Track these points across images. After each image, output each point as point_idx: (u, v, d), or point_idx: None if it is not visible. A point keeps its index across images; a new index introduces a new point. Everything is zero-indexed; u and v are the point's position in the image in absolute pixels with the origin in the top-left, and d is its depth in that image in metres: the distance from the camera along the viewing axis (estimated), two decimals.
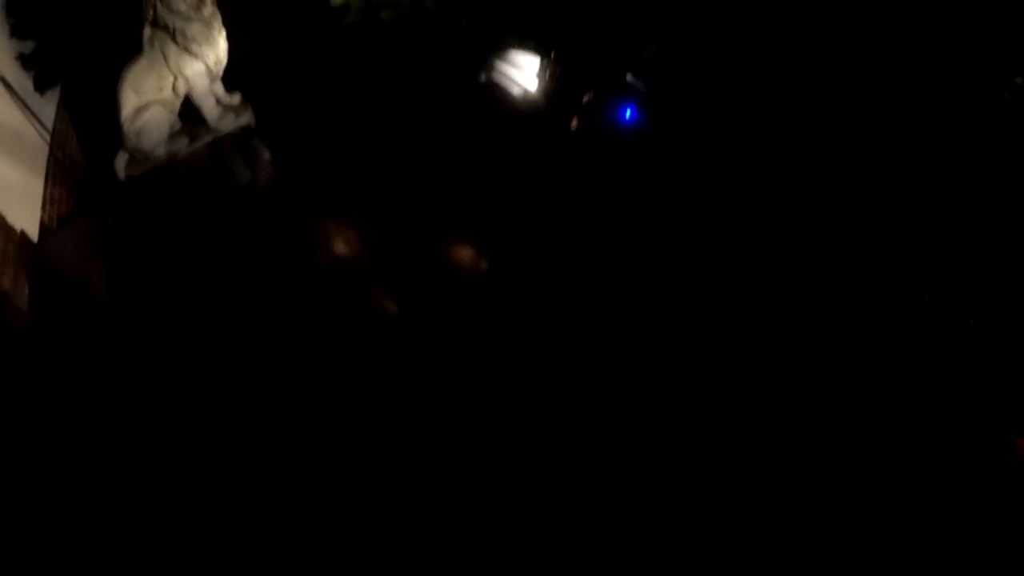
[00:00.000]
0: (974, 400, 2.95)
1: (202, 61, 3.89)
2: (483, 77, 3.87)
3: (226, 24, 3.93)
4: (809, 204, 3.44)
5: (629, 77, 3.54)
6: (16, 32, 4.27)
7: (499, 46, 3.95)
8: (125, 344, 3.34)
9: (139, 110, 3.88)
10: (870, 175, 3.36)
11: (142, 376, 3.24)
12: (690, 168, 3.63)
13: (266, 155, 3.92)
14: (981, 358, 3.01)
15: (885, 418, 2.98)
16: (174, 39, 3.82)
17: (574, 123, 3.58)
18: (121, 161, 3.94)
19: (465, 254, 3.65)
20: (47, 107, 4.27)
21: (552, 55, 3.64)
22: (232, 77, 4.04)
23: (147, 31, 3.87)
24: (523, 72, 3.78)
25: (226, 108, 4.06)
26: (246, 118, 4.06)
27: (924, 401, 2.98)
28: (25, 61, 4.25)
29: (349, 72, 4.30)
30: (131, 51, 3.90)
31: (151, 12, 3.81)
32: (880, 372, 3.09)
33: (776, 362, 3.14)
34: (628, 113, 3.53)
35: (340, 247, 3.66)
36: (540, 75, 3.71)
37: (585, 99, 3.57)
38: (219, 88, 4.06)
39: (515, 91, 3.76)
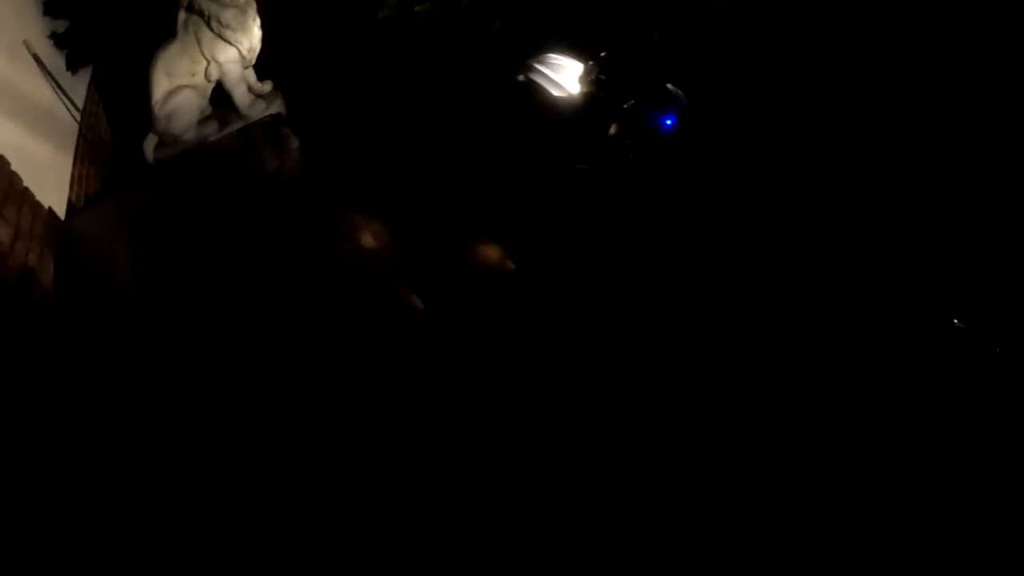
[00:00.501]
0: (996, 430, 2.93)
1: (235, 48, 3.90)
2: (521, 77, 3.85)
3: (261, 12, 3.95)
4: (847, 218, 3.41)
5: (670, 86, 3.52)
6: (50, 11, 4.29)
7: (538, 47, 3.94)
8: (148, 326, 3.34)
9: (170, 94, 3.90)
10: (912, 191, 3.34)
11: (164, 359, 3.24)
12: (728, 180, 3.61)
13: (295, 144, 3.92)
14: (1006, 386, 2.98)
15: (903, 448, 2.95)
16: (209, 24, 3.84)
17: (613, 129, 3.55)
18: (150, 144, 3.95)
19: (493, 253, 3.63)
20: (78, 87, 4.28)
21: (593, 60, 3.62)
22: (264, 65, 4.06)
23: (182, 15, 3.89)
24: (562, 74, 3.75)
25: (257, 96, 4.08)
26: (277, 106, 4.08)
27: (945, 431, 2.95)
28: (58, 40, 4.27)
29: (382, 65, 4.29)
30: (165, 34, 3.92)
31: None
32: (901, 398, 3.06)
33: (800, 383, 3.12)
34: (668, 122, 3.51)
35: (367, 239, 3.65)
36: (580, 79, 3.69)
37: (625, 106, 3.54)
38: (251, 75, 4.07)
39: (553, 93, 3.73)
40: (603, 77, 3.55)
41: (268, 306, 3.34)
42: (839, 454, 2.90)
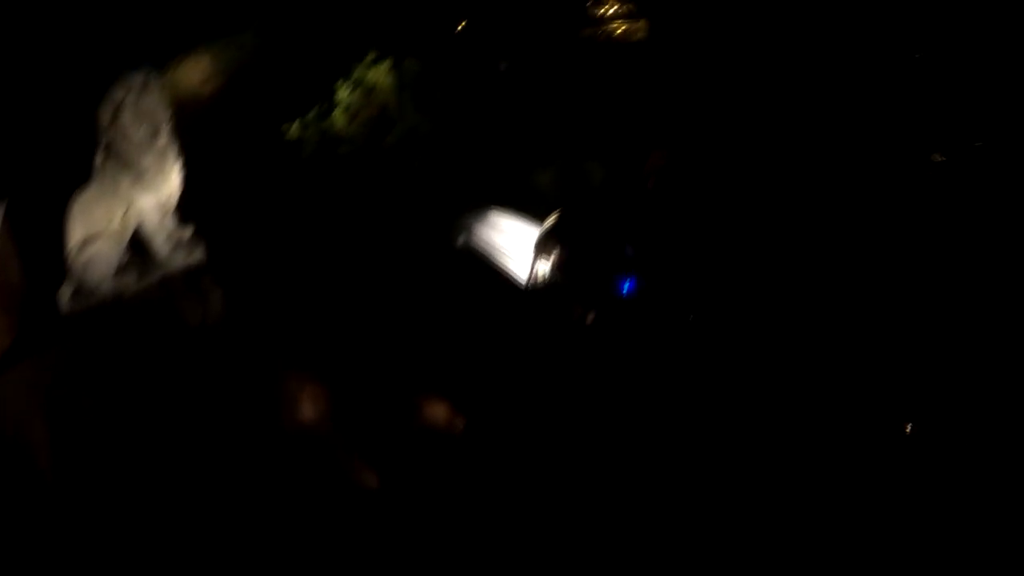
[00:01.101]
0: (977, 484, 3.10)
1: (154, 193, 3.82)
2: (462, 240, 3.83)
3: (180, 156, 3.88)
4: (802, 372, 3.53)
5: (628, 250, 3.56)
6: None
7: (465, 188, 3.96)
8: (67, 507, 3.24)
9: (86, 241, 3.77)
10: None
11: (85, 544, 3.14)
12: (683, 344, 3.64)
13: (218, 294, 3.87)
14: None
15: (881, 499, 3.10)
16: (127, 168, 3.75)
17: (575, 308, 3.59)
18: (65, 294, 3.80)
19: (440, 411, 3.57)
20: None
21: (546, 228, 3.65)
22: (184, 211, 3.97)
23: (99, 158, 3.80)
24: (507, 238, 3.73)
25: (177, 243, 3.98)
26: (198, 254, 3.98)
27: (924, 486, 3.11)
28: None
29: (308, 209, 4.23)
30: (81, 177, 3.81)
31: (105, 139, 3.75)
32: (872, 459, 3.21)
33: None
34: (626, 286, 3.53)
35: (307, 407, 3.53)
36: (535, 247, 3.68)
37: (578, 273, 3.57)
38: (170, 222, 3.97)
39: (502, 261, 3.72)
40: (561, 248, 3.54)
41: (200, 489, 3.24)
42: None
